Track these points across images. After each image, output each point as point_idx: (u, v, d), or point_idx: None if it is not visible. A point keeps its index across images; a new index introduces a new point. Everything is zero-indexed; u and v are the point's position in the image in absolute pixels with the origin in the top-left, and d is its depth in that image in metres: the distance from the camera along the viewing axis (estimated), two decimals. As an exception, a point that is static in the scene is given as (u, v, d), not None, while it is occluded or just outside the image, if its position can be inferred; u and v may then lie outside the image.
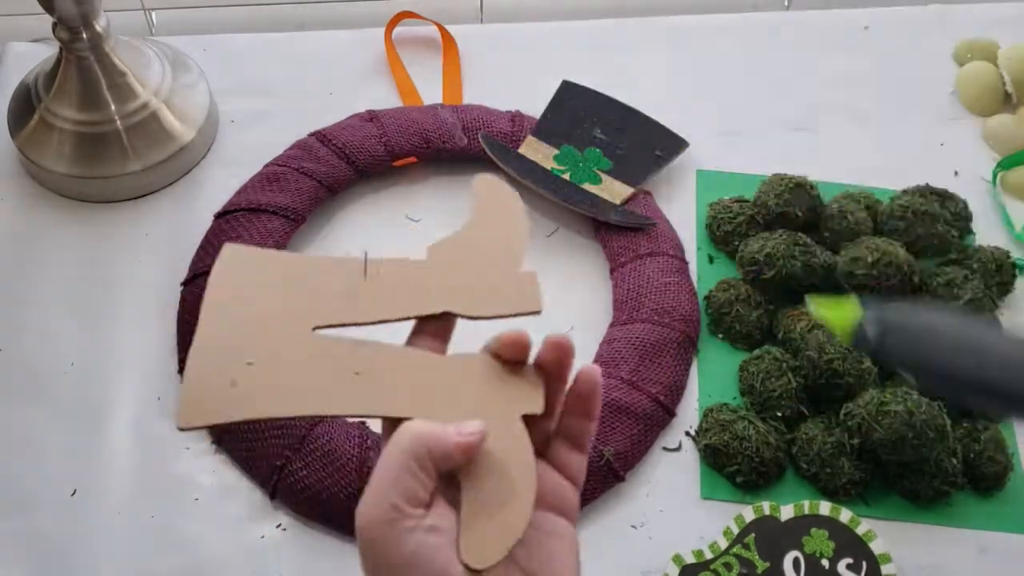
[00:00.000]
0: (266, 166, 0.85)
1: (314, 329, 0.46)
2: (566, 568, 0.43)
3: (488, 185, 0.52)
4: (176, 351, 0.77)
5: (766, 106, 0.94)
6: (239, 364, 0.44)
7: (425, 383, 0.45)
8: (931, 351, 0.48)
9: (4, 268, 0.81)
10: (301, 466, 0.69)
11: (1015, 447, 0.74)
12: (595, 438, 0.70)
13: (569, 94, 0.91)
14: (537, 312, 0.47)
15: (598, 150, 0.88)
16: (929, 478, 0.70)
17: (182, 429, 0.43)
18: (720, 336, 0.79)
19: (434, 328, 0.46)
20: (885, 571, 0.66)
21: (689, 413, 0.75)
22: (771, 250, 0.78)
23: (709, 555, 0.68)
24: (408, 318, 0.47)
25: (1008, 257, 0.80)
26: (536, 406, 0.45)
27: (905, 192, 0.84)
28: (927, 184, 0.84)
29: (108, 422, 0.74)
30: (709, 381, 0.77)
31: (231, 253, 0.48)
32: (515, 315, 0.48)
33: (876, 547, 0.67)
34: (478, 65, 0.96)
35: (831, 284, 0.78)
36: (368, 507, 0.40)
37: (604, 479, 0.70)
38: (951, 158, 0.91)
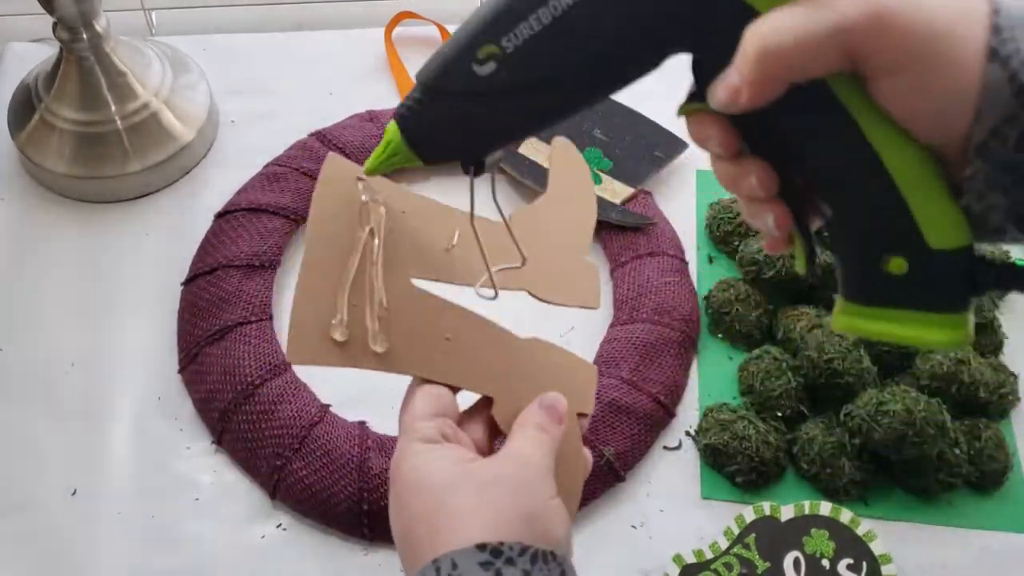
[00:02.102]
0: (266, 166, 0.85)
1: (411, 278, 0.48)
2: None
3: (563, 153, 0.54)
4: (176, 351, 0.77)
5: (766, 106, 0.94)
6: (343, 305, 0.46)
7: (506, 364, 0.49)
8: None
9: (4, 268, 0.81)
10: (301, 466, 0.69)
11: (1015, 447, 0.74)
12: (595, 438, 0.70)
13: (569, 94, 0.91)
14: (595, 307, 0.52)
15: (598, 150, 0.88)
16: (933, 472, 0.70)
17: (291, 363, 0.46)
18: (720, 336, 0.79)
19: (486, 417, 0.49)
20: (885, 571, 0.66)
21: (689, 413, 0.75)
22: (771, 250, 0.78)
23: (709, 555, 0.68)
24: (492, 287, 0.50)
25: (1008, 257, 0.80)
26: (589, 407, 0.50)
27: (905, 192, 0.83)
28: (927, 184, 0.84)
29: (108, 422, 0.73)
30: (709, 381, 0.77)
31: (334, 163, 0.49)
32: (577, 306, 0.53)
33: (876, 547, 0.67)
34: (478, 65, 0.96)
35: (832, 284, 0.78)
36: None
37: (604, 479, 0.70)
38: (951, 158, 0.91)
